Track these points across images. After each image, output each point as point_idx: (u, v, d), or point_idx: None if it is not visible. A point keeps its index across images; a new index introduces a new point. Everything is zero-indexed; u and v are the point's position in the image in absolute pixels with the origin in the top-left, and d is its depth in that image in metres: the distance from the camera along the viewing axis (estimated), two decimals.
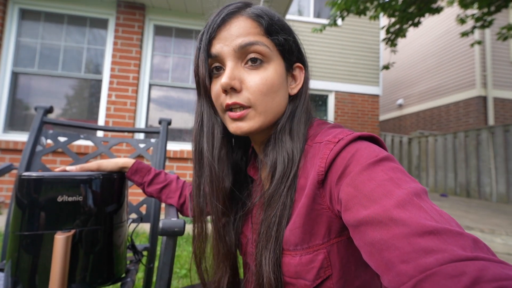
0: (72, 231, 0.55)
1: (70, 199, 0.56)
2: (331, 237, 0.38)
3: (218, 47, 0.43)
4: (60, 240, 0.51)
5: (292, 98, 0.48)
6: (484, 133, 4.52)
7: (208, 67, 0.46)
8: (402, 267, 0.24)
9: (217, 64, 0.45)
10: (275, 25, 0.44)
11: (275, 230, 0.40)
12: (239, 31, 0.42)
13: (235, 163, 0.55)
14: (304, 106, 0.47)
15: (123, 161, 0.71)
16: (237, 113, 0.43)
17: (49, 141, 0.98)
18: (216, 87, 0.45)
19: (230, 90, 0.43)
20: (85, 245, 0.57)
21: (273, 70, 0.43)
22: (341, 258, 0.38)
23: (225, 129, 0.49)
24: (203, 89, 0.47)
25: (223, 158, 0.49)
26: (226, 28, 0.43)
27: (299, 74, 0.49)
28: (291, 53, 0.47)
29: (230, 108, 0.44)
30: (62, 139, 1.00)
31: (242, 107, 0.43)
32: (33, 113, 2.76)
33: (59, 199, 0.55)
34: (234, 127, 0.44)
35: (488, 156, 4.40)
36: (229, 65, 0.43)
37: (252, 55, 0.43)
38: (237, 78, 0.42)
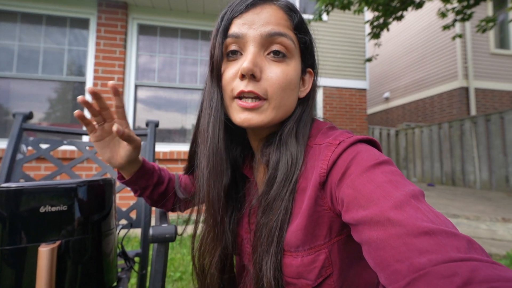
0: (57, 242, 0.53)
1: (53, 209, 0.54)
2: (332, 237, 0.39)
3: (243, 29, 0.41)
4: (44, 252, 0.49)
5: (300, 101, 0.48)
6: (467, 123, 4.67)
7: (224, 49, 0.43)
8: (397, 266, 0.25)
9: (234, 47, 0.42)
10: (303, 24, 0.44)
11: (277, 234, 0.40)
12: (270, 19, 0.41)
13: (234, 160, 0.52)
14: (310, 111, 0.48)
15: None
16: (250, 104, 0.40)
17: (30, 148, 0.94)
18: (230, 71, 0.43)
19: (249, 76, 0.40)
20: (73, 256, 0.55)
21: (293, 67, 0.43)
22: (341, 255, 0.39)
23: (225, 120, 0.46)
24: (216, 73, 0.43)
25: (222, 150, 0.45)
26: (256, 11, 0.41)
27: (309, 79, 0.49)
28: (309, 56, 0.47)
29: (240, 96, 0.41)
30: (44, 146, 0.96)
31: (257, 97, 0.41)
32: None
33: (42, 209, 0.53)
34: (242, 118, 0.41)
35: (472, 145, 4.55)
36: (252, 50, 0.40)
37: (276, 47, 0.41)
38: (258, 66, 0.40)
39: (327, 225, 0.38)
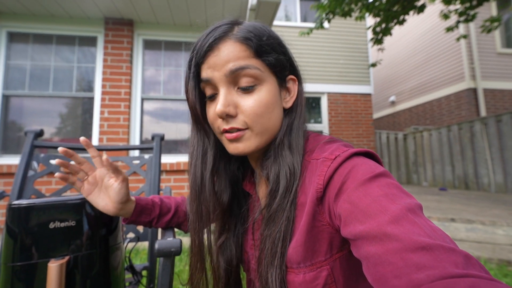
0: (66, 258, 0.54)
1: (62, 224, 0.55)
2: (333, 253, 0.38)
3: (209, 72, 0.43)
4: (54, 268, 0.50)
5: (287, 112, 0.48)
6: (477, 124, 4.58)
7: (201, 91, 0.46)
8: (395, 282, 0.24)
9: (209, 89, 0.45)
10: (264, 46, 0.43)
11: (281, 246, 0.40)
12: (228, 56, 0.41)
13: (233, 176, 0.54)
14: (301, 119, 0.47)
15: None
16: (233, 134, 0.43)
17: (41, 164, 0.97)
18: (212, 110, 0.45)
19: (225, 116, 0.42)
20: (81, 271, 0.56)
21: (266, 90, 0.43)
22: (344, 272, 0.38)
23: (221, 147, 0.50)
24: (193, 115, 0.47)
25: (221, 173, 0.50)
26: (214, 54, 0.42)
27: (293, 86, 0.49)
28: (283, 70, 0.47)
29: (227, 130, 0.44)
30: (53, 161, 0.98)
31: (239, 129, 0.43)
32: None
33: (51, 225, 0.54)
34: (232, 148, 0.44)
35: (483, 147, 4.44)
36: (222, 91, 0.42)
37: (244, 80, 0.42)
38: (231, 103, 0.42)
39: (327, 240, 0.38)
